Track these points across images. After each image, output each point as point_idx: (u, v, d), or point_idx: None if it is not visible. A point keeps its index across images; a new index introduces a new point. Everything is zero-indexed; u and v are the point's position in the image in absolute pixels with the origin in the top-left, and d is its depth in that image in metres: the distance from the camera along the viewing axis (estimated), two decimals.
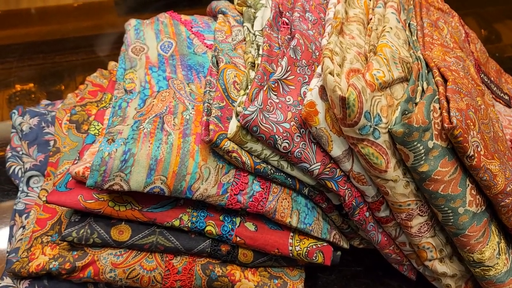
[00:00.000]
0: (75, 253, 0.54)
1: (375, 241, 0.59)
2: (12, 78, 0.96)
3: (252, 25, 0.65)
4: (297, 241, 0.57)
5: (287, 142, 0.50)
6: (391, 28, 0.61)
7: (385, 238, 0.59)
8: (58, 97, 0.93)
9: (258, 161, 0.52)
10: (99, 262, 0.54)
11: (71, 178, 0.54)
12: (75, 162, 0.57)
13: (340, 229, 0.62)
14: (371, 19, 0.66)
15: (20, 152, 0.69)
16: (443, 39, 0.67)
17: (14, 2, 1.24)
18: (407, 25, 0.67)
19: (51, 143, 0.68)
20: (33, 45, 1.03)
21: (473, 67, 0.68)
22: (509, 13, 1.33)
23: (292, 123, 0.51)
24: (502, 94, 0.75)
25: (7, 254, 0.58)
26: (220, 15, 0.70)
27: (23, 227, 0.60)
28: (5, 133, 0.84)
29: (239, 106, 0.51)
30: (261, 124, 0.49)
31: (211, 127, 0.50)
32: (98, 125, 0.61)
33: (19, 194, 0.64)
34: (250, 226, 0.56)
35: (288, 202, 0.55)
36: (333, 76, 0.48)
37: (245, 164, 0.51)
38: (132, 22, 0.71)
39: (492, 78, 0.76)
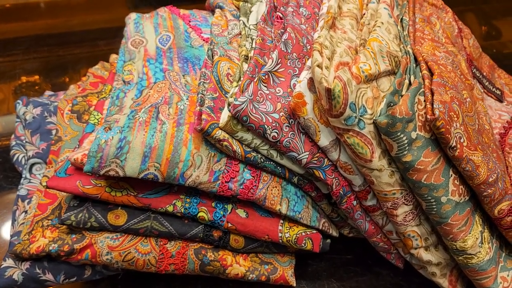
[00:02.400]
0: (74, 236, 0.56)
1: (363, 230, 0.61)
2: (18, 70, 0.98)
3: (248, 19, 0.67)
4: (287, 228, 0.59)
5: (276, 132, 0.52)
6: (382, 23, 0.63)
7: (373, 227, 0.61)
8: (62, 89, 0.95)
9: (249, 150, 0.54)
10: (96, 245, 0.56)
11: (70, 165, 0.56)
12: (75, 150, 0.59)
13: (329, 217, 0.64)
14: (364, 14, 0.68)
15: (24, 141, 0.72)
16: (434, 34, 0.68)
17: None
18: (399, 20, 0.68)
19: (53, 132, 0.71)
20: (39, 38, 1.06)
21: (465, 62, 0.70)
22: (509, 9, 1.34)
23: (281, 113, 0.53)
24: (493, 89, 0.76)
25: (10, 237, 0.60)
26: (217, 10, 0.72)
27: (25, 211, 0.63)
28: (11, 124, 0.88)
29: (231, 97, 0.54)
30: (251, 114, 0.51)
31: (203, 116, 0.52)
32: (98, 115, 0.63)
33: (22, 180, 0.67)
34: (241, 212, 0.58)
35: (278, 190, 0.57)
36: (321, 69, 0.50)
37: (236, 152, 0.54)
38: (132, 16, 0.73)
39: (484, 73, 0.77)
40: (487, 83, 0.76)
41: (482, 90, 0.74)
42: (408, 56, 0.60)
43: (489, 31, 1.26)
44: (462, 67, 0.67)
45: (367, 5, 0.70)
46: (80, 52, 1.03)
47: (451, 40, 0.72)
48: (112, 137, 0.52)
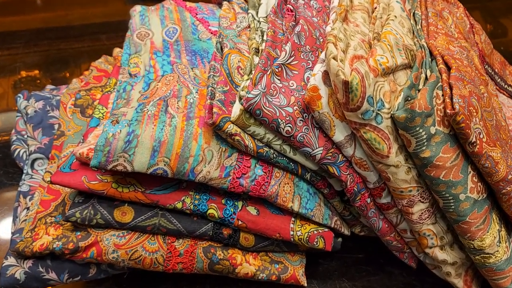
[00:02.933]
0: (79, 233, 0.54)
1: (376, 228, 0.59)
2: (18, 64, 0.96)
3: (257, 12, 0.65)
4: (299, 226, 0.58)
5: (289, 126, 0.50)
6: (395, 16, 0.61)
7: (386, 225, 0.59)
8: (63, 83, 0.93)
9: (261, 144, 0.52)
10: (102, 243, 0.54)
11: (75, 160, 0.54)
12: (79, 144, 0.57)
13: (341, 215, 0.62)
14: (375, 8, 0.66)
15: (25, 136, 0.70)
16: (447, 29, 0.67)
17: None
18: (411, 14, 0.67)
19: (56, 126, 0.69)
20: (39, 31, 1.04)
21: (477, 57, 0.68)
22: None
23: (295, 107, 0.51)
24: (506, 86, 0.75)
25: (11, 235, 0.58)
26: (225, 2, 0.70)
27: (27, 208, 0.61)
28: (11, 119, 0.85)
29: (242, 91, 0.52)
30: (264, 108, 0.49)
31: (214, 110, 0.51)
32: (102, 109, 0.61)
33: (23, 176, 0.65)
34: (252, 210, 0.56)
35: (290, 187, 0.56)
36: (337, 61, 0.48)
37: (248, 147, 0.52)
38: (138, 8, 0.71)
39: (496, 70, 0.76)
40: (499, 80, 0.74)
41: (495, 87, 0.73)
42: (423, 50, 0.58)
43: (495, 29, 1.25)
44: (475, 63, 0.65)
45: None
46: (81, 46, 1.01)
47: (463, 35, 0.70)
48: (120, 130, 0.50)
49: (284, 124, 0.50)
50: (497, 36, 1.24)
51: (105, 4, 1.16)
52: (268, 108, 0.50)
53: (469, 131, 0.48)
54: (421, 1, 0.71)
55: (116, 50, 0.78)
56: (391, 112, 0.49)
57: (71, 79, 0.95)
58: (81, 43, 1.01)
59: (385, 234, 0.60)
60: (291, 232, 0.57)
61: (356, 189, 0.55)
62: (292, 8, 0.63)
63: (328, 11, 0.66)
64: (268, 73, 0.52)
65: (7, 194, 0.72)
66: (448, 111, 0.48)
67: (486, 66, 0.73)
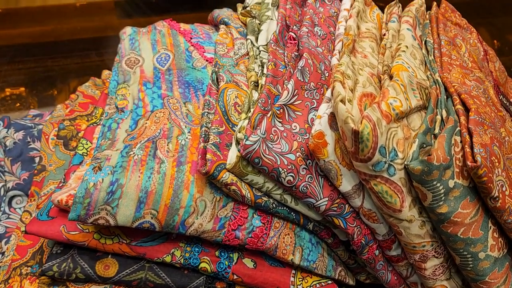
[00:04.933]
0: None
1: (385, 281, 0.54)
2: (1, 82, 0.91)
3: (256, 38, 0.60)
4: (300, 280, 0.53)
5: (291, 176, 0.45)
6: (407, 47, 0.56)
7: (395, 277, 0.55)
8: (50, 102, 0.89)
9: (259, 194, 0.47)
10: None
11: (53, 206, 0.49)
12: (60, 185, 0.52)
13: (346, 264, 0.57)
14: (384, 34, 0.62)
15: (4, 168, 0.65)
16: (461, 59, 0.62)
17: (14, 2, 1.18)
18: (423, 42, 0.62)
19: (37, 160, 0.63)
20: (25, 47, 0.98)
21: (492, 88, 0.63)
22: None
23: (298, 154, 0.46)
24: None
25: None
26: (222, 26, 0.65)
27: (2, 253, 0.56)
28: None
29: (239, 132, 0.47)
30: (264, 156, 0.44)
31: (208, 156, 0.45)
32: (86, 144, 0.56)
33: (0, 215, 0.60)
34: (248, 262, 0.51)
35: (291, 238, 0.51)
36: (345, 104, 0.43)
37: (245, 197, 0.47)
38: (128, 30, 0.66)
39: (511, 100, 0.71)
40: None
41: (511, 119, 0.68)
42: (437, 86, 0.53)
43: (502, 46, 1.20)
44: (491, 96, 0.61)
45: (386, 24, 0.64)
46: (69, 63, 0.95)
47: (477, 64, 0.65)
48: (102, 179, 0.45)
49: (286, 173, 0.45)
50: (504, 54, 1.19)
51: (97, 18, 1.11)
52: (268, 156, 0.44)
53: (491, 185, 0.44)
54: (432, 27, 0.66)
55: (105, 73, 0.73)
56: (405, 163, 0.44)
57: (58, 97, 0.90)
58: (70, 60, 0.96)
59: (394, 286, 0.55)
60: (292, 287, 0.52)
61: (363, 242, 0.50)
62: (294, 35, 0.58)
63: (333, 38, 0.61)
64: (268, 115, 0.47)
65: None
66: (469, 163, 0.43)
67: (501, 97, 0.68)
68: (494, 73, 0.70)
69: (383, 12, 0.67)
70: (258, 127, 0.45)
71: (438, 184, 0.43)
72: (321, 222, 0.51)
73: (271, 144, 0.45)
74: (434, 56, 0.60)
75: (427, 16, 0.69)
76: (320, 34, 0.60)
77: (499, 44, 1.21)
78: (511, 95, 0.72)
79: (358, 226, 0.49)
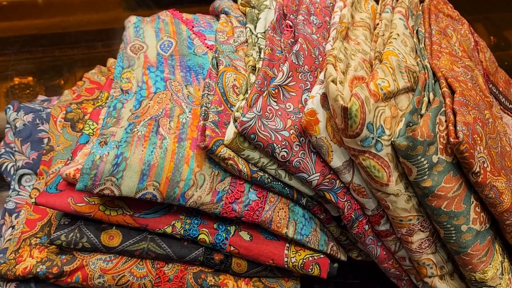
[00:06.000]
0: (64, 257, 0.52)
1: (374, 255, 0.57)
2: (10, 71, 0.94)
3: (255, 27, 0.63)
4: (293, 252, 0.55)
5: (285, 151, 0.48)
6: (398, 34, 0.59)
7: (384, 252, 0.57)
8: (57, 91, 0.91)
9: (255, 169, 0.50)
10: (88, 267, 0.52)
11: (62, 180, 0.52)
12: (68, 163, 0.55)
13: (338, 240, 0.60)
14: (378, 24, 0.64)
15: (14, 149, 0.68)
16: (451, 48, 0.65)
17: None
18: (415, 31, 0.65)
19: (45, 140, 0.66)
20: (33, 38, 1.02)
21: (482, 77, 0.66)
22: None
23: (291, 131, 0.49)
24: (511, 106, 0.72)
25: None
26: (222, 15, 0.68)
27: (13, 227, 0.59)
28: (2, 128, 0.83)
29: (237, 112, 0.50)
30: (259, 132, 0.47)
31: (207, 132, 0.48)
32: (93, 125, 0.59)
33: (10, 192, 0.63)
34: (245, 235, 0.54)
35: (285, 212, 0.53)
36: (336, 84, 0.46)
37: (242, 172, 0.50)
38: (132, 19, 0.69)
39: (500, 89, 0.74)
40: (503, 100, 0.72)
41: (499, 107, 0.70)
42: (426, 71, 0.56)
43: (498, 42, 1.22)
44: (480, 83, 0.63)
45: (380, 14, 0.67)
46: (76, 54, 0.98)
47: (467, 53, 0.68)
48: (108, 152, 0.48)
49: (280, 148, 0.48)
50: (501, 49, 1.21)
51: (105, 10, 1.14)
52: (263, 132, 0.47)
53: (473, 160, 0.46)
54: (424, 17, 0.69)
55: (110, 61, 0.76)
56: (392, 139, 0.47)
57: (65, 87, 0.93)
58: (76, 50, 0.99)
59: (383, 261, 0.58)
60: (285, 259, 0.55)
61: (353, 216, 0.53)
62: (291, 23, 0.60)
63: (328, 26, 0.64)
64: (264, 94, 0.50)
65: None
66: (451, 139, 0.46)
67: (491, 86, 0.71)
68: (484, 62, 0.73)
69: (378, 4, 0.70)
70: (254, 106, 0.48)
71: (422, 159, 0.46)
72: (314, 198, 0.53)
73: (266, 121, 0.48)
74: (424, 44, 0.62)
75: (420, 8, 0.71)
76: (316, 23, 0.63)
77: (496, 40, 1.24)
78: (500, 85, 0.75)
79: (348, 201, 0.52)
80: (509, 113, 0.71)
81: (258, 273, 0.57)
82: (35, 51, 0.98)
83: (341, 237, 0.59)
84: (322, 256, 0.57)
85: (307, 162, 0.49)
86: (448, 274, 0.56)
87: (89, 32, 1.05)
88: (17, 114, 0.68)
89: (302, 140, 0.50)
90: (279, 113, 0.50)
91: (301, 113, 0.51)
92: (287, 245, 0.56)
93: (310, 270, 0.56)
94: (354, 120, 0.44)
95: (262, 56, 0.56)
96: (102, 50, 1.01)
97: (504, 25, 1.29)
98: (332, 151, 0.49)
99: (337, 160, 0.49)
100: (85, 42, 1.02)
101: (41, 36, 1.02)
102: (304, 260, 0.55)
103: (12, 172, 0.66)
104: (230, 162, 0.49)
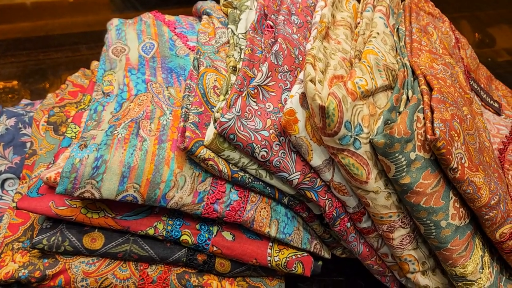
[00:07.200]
0: (46, 260, 0.52)
1: (357, 252, 0.58)
2: None
3: (237, 27, 0.63)
4: (276, 251, 0.56)
5: (265, 151, 0.49)
6: (378, 33, 0.59)
7: (367, 249, 0.58)
8: (42, 95, 0.91)
9: (236, 169, 0.50)
10: (71, 270, 0.52)
11: (43, 183, 0.52)
12: (49, 166, 0.55)
13: (321, 238, 0.61)
14: (359, 23, 0.65)
15: None
16: (431, 45, 0.65)
17: None
18: (395, 30, 0.65)
19: (28, 145, 0.66)
20: (17, 41, 1.01)
21: (462, 74, 0.67)
22: (505, 16, 1.32)
23: (271, 131, 0.50)
24: (491, 102, 0.73)
25: None
26: (204, 16, 0.68)
27: None
28: None
29: (217, 112, 0.50)
30: (239, 132, 0.47)
31: (187, 133, 0.49)
32: (75, 128, 0.59)
33: None
34: (227, 235, 0.54)
35: (267, 212, 0.54)
36: (314, 83, 0.46)
37: (222, 172, 0.50)
38: (114, 21, 0.69)
39: (482, 85, 0.74)
40: (484, 96, 0.73)
41: (480, 103, 0.71)
42: (405, 69, 0.56)
43: (483, 39, 1.23)
44: (460, 80, 0.64)
45: (361, 13, 0.67)
46: (61, 57, 0.98)
47: (448, 51, 0.69)
48: (88, 155, 0.48)
49: (260, 148, 0.48)
50: (485, 46, 1.23)
51: (92, 12, 1.14)
52: (242, 133, 0.48)
53: (450, 157, 0.47)
54: (405, 15, 0.69)
55: (94, 64, 0.76)
56: (370, 137, 0.47)
57: (51, 90, 0.92)
58: (61, 54, 0.99)
59: (366, 258, 0.59)
60: (268, 258, 0.55)
61: (335, 214, 0.53)
62: (272, 24, 0.61)
63: (309, 26, 0.64)
64: (243, 95, 0.50)
65: None
66: (428, 136, 0.47)
67: (472, 82, 0.71)
68: (465, 59, 0.73)
69: (360, 3, 0.71)
70: (234, 106, 0.49)
71: (400, 156, 0.47)
72: (296, 196, 0.54)
73: (246, 122, 0.49)
74: (404, 43, 0.63)
75: (401, 6, 0.72)
76: (297, 23, 0.63)
77: (480, 37, 1.25)
78: (482, 81, 0.76)
79: (330, 199, 0.52)
80: (490, 109, 0.72)
81: (242, 272, 0.57)
82: (20, 54, 0.98)
83: (325, 235, 0.60)
84: (305, 254, 0.57)
85: (287, 162, 0.50)
86: (430, 269, 0.57)
87: (73, 35, 1.05)
88: None
89: (282, 139, 0.50)
90: (259, 113, 0.50)
91: (280, 113, 0.51)
92: (270, 244, 0.56)
93: (293, 269, 0.56)
94: (331, 119, 0.45)
95: (242, 56, 0.56)
96: (86, 52, 1.01)
97: (489, 22, 1.30)
98: (312, 150, 0.49)
99: (317, 158, 0.50)
100: (69, 45, 1.01)
101: (26, 39, 1.02)
102: (287, 259, 0.56)
103: None
104: (211, 162, 0.49)
